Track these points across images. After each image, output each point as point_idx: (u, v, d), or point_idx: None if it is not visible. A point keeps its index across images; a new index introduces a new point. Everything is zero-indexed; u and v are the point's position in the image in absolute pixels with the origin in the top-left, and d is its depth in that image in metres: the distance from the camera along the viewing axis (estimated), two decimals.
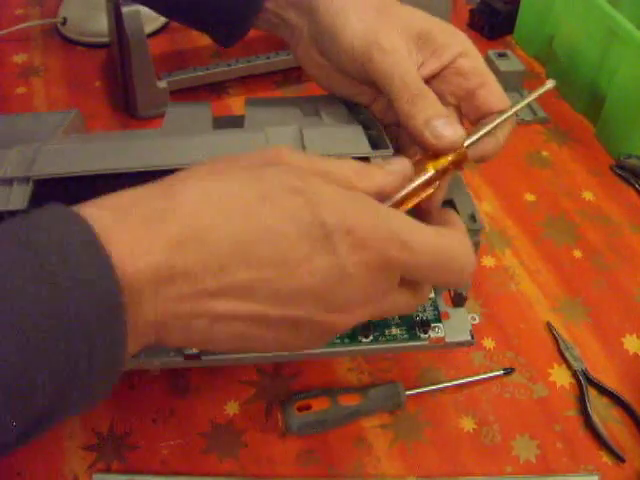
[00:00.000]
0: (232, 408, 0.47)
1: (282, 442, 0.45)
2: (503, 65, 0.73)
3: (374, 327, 0.42)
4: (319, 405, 0.44)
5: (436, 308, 0.44)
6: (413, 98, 0.37)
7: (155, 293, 0.24)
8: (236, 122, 0.44)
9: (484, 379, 0.48)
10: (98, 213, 0.24)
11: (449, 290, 0.44)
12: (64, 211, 0.24)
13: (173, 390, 0.47)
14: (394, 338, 0.42)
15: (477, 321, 0.52)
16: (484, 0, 0.83)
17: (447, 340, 0.42)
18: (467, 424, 0.46)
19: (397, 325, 0.43)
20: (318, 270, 0.26)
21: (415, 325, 0.43)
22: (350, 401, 0.45)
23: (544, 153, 0.68)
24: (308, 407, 0.44)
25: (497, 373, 0.49)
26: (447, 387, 0.48)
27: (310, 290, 0.26)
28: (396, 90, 0.37)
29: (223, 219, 0.25)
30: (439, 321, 0.43)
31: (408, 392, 0.46)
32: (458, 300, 0.44)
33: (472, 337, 0.43)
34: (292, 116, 0.45)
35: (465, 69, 0.39)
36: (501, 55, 0.75)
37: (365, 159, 0.38)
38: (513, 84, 0.74)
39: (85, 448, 0.44)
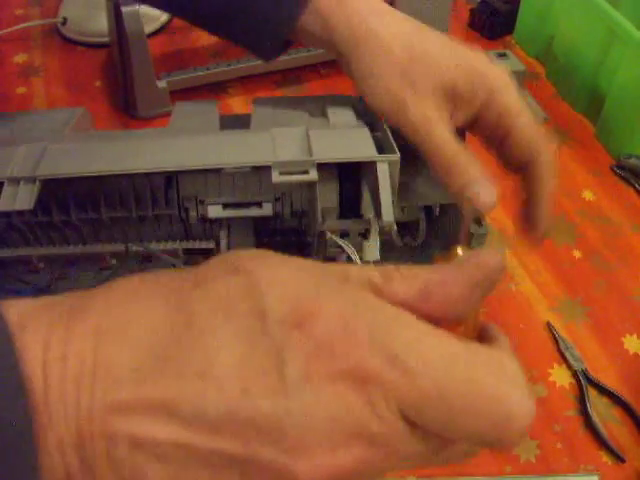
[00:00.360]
0: None
1: None
2: (503, 65, 0.73)
3: None
4: None
5: None
6: (447, 169, 0.37)
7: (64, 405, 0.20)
8: (243, 121, 0.44)
9: None
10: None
11: None
12: None
13: None
14: None
15: None
16: (484, 0, 0.83)
17: None
18: None
19: None
20: (255, 382, 0.19)
21: None
22: None
23: None
24: None
25: None
26: None
27: (246, 414, 0.19)
28: (430, 159, 0.38)
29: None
30: None
31: None
32: None
33: None
34: (299, 117, 0.44)
35: (492, 117, 0.39)
36: (501, 55, 0.75)
37: (370, 163, 0.37)
38: None
39: None
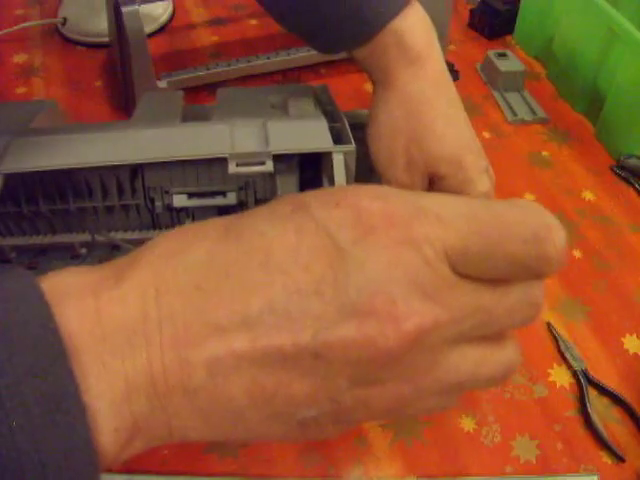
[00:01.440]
0: None
1: (282, 442, 0.45)
2: (503, 65, 0.73)
3: None
4: None
5: None
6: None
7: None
8: (206, 113, 0.45)
9: None
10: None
11: None
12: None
13: None
14: None
15: None
16: (484, 0, 0.83)
17: None
18: (467, 424, 0.46)
19: None
20: (312, 258, 0.21)
21: None
22: None
23: (544, 153, 0.68)
24: None
25: None
26: None
27: (312, 288, 0.20)
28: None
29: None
30: None
31: None
32: None
33: None
34: (260, 108, 0.45)
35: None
36: (501, 55, 0.75)
37: (327, 154, 0.38)
38: (513, 84, 0.74)
39: None
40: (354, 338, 0.20)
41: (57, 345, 0.19)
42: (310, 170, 0.41)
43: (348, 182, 0.38)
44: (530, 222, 0.21)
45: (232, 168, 0.38)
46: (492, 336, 0.23)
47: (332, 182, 0.38)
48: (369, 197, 0.22)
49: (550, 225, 0.21)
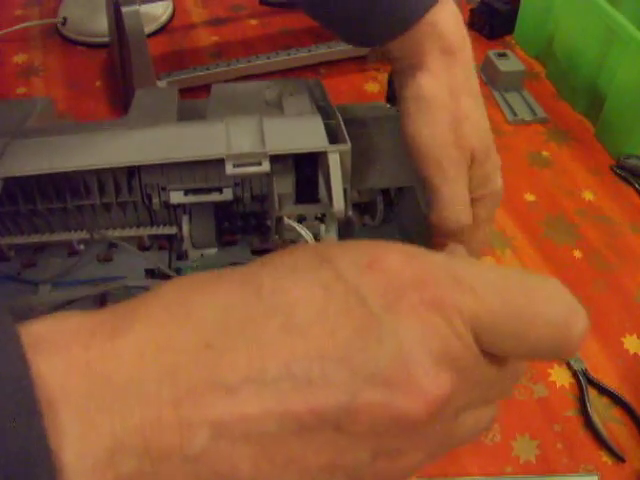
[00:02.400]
0: None
1: None
2: (503, 65, 0.73)
3: None
4: None
5: None
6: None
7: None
8: (201, 107, 0.45)
9: None
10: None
11: None
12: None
13: None
14: None
15: None
16: (484, 0, 0.83)
17: None
18: None
19: None
20: (339, 323, 0.19)
21: None
22: None
23: (544, 153, 0.68)
24: None
25: None
26: None
27: (337, 355, 0.19)
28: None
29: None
30: None
31: None
32: None
33: None
34: (255, 104, 0.45)
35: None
36: (501, 55, 0.75)
37: (324, 152, 0.39)
38: (513, 84, 0.74)
39: None
40: (383, 407, 0.19)
41: (29, 403, 0.17)
42: (307, 167, 0.41)
43: (344, 180, 0.38)
44: (560, 305, 0.21)
45: (229, 169, 0.38)
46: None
47: (327, 181, 0.38)
48: (402, 259, 0.21)
49: (578, 311, 0.21)
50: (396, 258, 0.21)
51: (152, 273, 0.43)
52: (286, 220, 0.39)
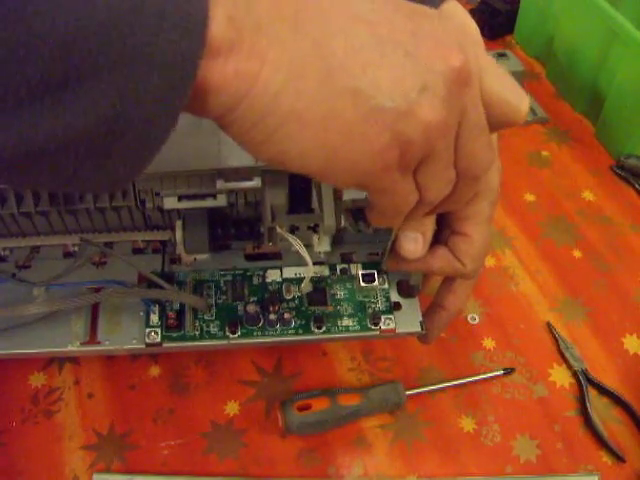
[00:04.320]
0: (232, 408, 0.47)
1: (282, 442, 0.45)
2: (503, 65, 0.73)
3: (327, 318, 0.42)
4: (319, 405, 0.44)
5: (388, 299, 0.44)
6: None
7: None
8: (196, 118, 0.45)
9: (484, 379, 0.48)
10: None
11: (402, 282, 0.44)
12: None
13: (173, 390, 0.47)
14: (346, 329, 0.42)
15: (477, 321, 0.53)
16: (484, 0, 0.83)
17: (398, 331, 0.43)
18: (467, 424, 0.46)
19: (349, 316, 0.43)
20: None
21: (366, 317, 0.43)
22: (350, 401, 0.45)
23: (544, 153, 0.68)
24: (308, 407, 0.44)
25: (497, 373, 0.49)
26: (447, 387, 0.48)
27: None
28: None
29: None
30: (391, 312, 0.43)
31: (408, 392, 0.46)
32: (409, 291, 0.44)
33: (422, 328, 0.43)
34: None
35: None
36: (501, 55, 0.75)
37: None
38: None
39: (85, 448, 0.44)
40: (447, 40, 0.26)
41: None
42: (301, 176, 0.41)
43: (335, 195, 0.38)
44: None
45: (220, 184, 0.39)
46: None
47: (319, 194, 0.38)
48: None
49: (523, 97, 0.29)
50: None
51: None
52: (278, 230, 0.39)
